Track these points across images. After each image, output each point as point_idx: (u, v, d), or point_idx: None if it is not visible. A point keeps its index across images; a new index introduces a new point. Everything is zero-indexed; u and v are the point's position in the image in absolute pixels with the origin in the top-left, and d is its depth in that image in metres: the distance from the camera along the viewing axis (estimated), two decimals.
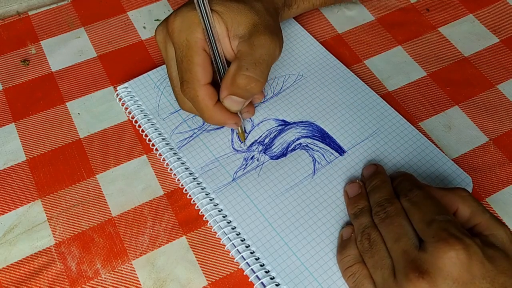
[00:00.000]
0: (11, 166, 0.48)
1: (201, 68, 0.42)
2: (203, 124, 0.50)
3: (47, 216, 0.45)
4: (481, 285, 0.34)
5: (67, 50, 0.56)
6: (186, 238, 0.44)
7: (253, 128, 0.50)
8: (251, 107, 0.49)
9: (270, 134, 0.49)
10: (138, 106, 0.51)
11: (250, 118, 0.50)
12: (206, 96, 0.43)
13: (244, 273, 0.42)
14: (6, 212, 0.46)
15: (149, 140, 0.49)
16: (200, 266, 0.43)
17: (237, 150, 0.48)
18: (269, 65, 0.43)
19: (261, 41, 0.42)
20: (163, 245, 0.44)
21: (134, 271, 0.43)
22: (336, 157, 0.48)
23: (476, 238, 0.35)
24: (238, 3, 0.43)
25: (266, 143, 0.49)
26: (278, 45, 0.43)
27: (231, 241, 0.43)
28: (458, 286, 0.34)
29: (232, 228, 0.44)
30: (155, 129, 0.50)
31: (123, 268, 0.43)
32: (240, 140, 0.48)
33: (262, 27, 0.43)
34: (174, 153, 0.48)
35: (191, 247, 0.44)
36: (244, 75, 0.41)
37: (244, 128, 0.49)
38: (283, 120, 0.50)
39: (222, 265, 0.43)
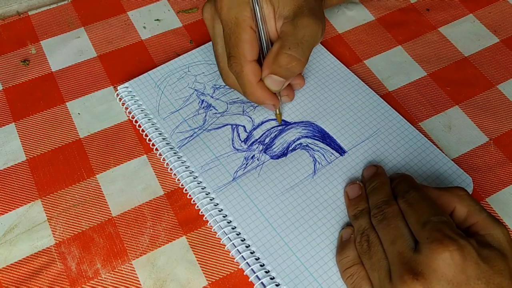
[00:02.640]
0: (11, 166, 0.48)
1: (248, 45, 0.44)
2: (203, 124, 0.50)
3: (47, 216, 0.45)
4: (476, 286, 0.34)
5: (67, 50, 0.56)
6: (186, 238, 0.44)
7: (254, 128, 0.50)
8: (291, 92, 0.51)
9: (271, 133, 0.49)
10: (138, 106, 0.51)
11: (251, 118, 0.50)
12: (251, 72, 0.44)
13: (244, 273, 0.42)
14: (6, 212, 0.45)
15: (149, 140, 0.49)
16: (200, 266, 0.43)
17: (237, 149, 0.48)
18: (310, 47, 0.44)
19: (304, 23, 0.43)
20: (163, 245, 0.44)
21: (134, 271, 0.43)
22: (337, 157, 0.48)
23: (471, 239, 0.35)
24: None
25: (267, 143, 0.49)
26: (320, 28, 0.44)
27: (231, 241, 0.43)
28: (453, 287, 0.34)
29: (232, 228, 0.44)
30: (156, 129, 0.50)
31: (123, 268, 0.43)
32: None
33: (307, 9, 0.44)
34: (174, 153, 0.48)
35: (191, 247, 0.44)
36: (286, 54, 0.42)
37: (281, 111, 0.50)
38: (284, 120, 0.50)
39: (222, 265, 0.43)
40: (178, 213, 0.46)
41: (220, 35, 0.46)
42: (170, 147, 0.49)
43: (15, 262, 0.43)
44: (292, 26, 0.43)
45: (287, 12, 0.44)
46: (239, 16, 0.43)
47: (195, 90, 0.52)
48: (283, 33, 0.43)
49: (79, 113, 0.52)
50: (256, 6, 0.42)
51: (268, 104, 0.47)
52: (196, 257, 0.44)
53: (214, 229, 0.44)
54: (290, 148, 0.48)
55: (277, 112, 0.49)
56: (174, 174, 0.47)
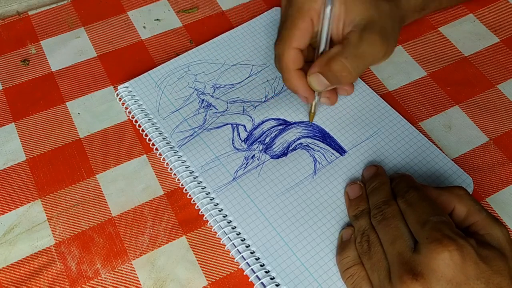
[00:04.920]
0: (11, 166, 0.48)
1: (299, 32, 0.44)
2: (203, 123, 0.50)
3: (47, 216, 0.45)
4: (476, 286, 0.34)
5: (67, 50, 0.56)
6: (186, 238, 0.44)
7: (254, 127, 0.50)
8: (334, 96, 0.50)
9: (271, 133, 0.49)
10: (138, 106, 0.51)
11: (251, 117, 0.50)
12: (290, 59, 0.44)
13: (244, 273, 0.42)
14: (6, 212, 0.45)
15: (149, 140, 0.49)
16: (200, 266, 0.43)
17: (237, 149, 0.48)
18: (367, 64, 0.44)
19: (371, 39, 0.43)
20: (163, 245, 0.44)
21: (134, 271, 0.43)
22: (337, 157, 0.48)
23: (470, 239, 0.35)
24: None
25: (267, 143, 0.49)
26: (384, 50, 0.44)
27: (231, 241, 0.43)
28: (452, 287, 0.34)
29: (232, 228, 0.44)
30: (156, 129, 0.50)
31: (123, 268, 0.43)
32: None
33: (378, 27, 0.43)
34: (175, 153, 0.48)
35: (191, 247, 0.44)
36: (341, 62, 0.42)
37: (316, 109, 0.49)
38: (284, 120, 0.50)
39: (222, 265, 0.43)
40: (178, 213, 0.46)
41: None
42: (170, 146, 0.49)
43: (15, 262, 0.43)
44: (358, 38, 0.42)
45: (359, 20, 0.43)
46: (305, 3, 0.43)
47: (195, 89, 0.52)
48: (347, 41, 0.43)
49: (79, 113, 0.52)
50: (329, 1, 0.42)
51: (301, 94, 0.46)
52: (196, 257, 0.44)
53: (214, 229, 0.44)
54: (291, 148, 0.48)
55: (311, 110, 0.49)
56: (174, 174, 0.47)
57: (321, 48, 0.45)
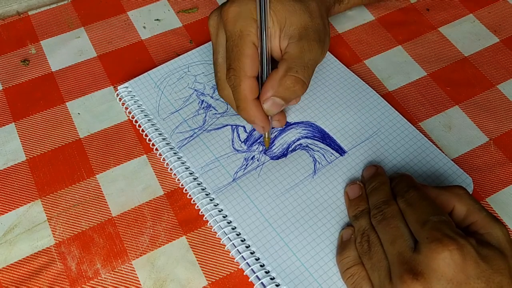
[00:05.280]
0: (11, 166, 0.48)
1: (250, 60, 0.43)
2: (203, 124, 0.50)
3: (47, 216, 0.45)
4: (476, 285, 0.34)
5: (67, 50, 0.56)
6: (186, 238, 0.44)
7: (253, 128, 0.50)
8: (283, 117, 0.49)
9: (271, 134, 0.49)
10: (138, 106, 0.51)
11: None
12: (248, 88, 0.43)
13: (244, 273, 0.42)
14: (6, 212, 0.45)
15: (149, 140, 0.49)
16: (200, 266, 0.43)
17: (237, 150, 0.48)
18: (314, 69, 0.44)
19: (311, 46, 0.43)
20: (163, 245, 0.44)
21: (134, 271, 0.43)
22: (337, 158, 0.48)
23: (470, 238, 0.35)
24: (294, 2, 0.44)
25: None
26: (323, 51, 0.44)
27: (231, 241, 0.43)
28: (453, 286, 0.34)
29: (232, 228, 0.44)
30: (156, 129, 0.50)
31: (123, 268, 0.43)
32: (264, 147, 0.49)
33: (312, 32, 0.43)
34: (174, 153, 0.48)
35: (191, 247, 0.44)
36: (294, 77, 0.42)
37: (270, 135, 0.48)
38: None
39: (222, 265, 0.43)
40: (178, 213, 0.46)
41: (222, 45, 0.45)
42: (170, 147, 0.49)
43: (15, 262, 0.43)
44: (298, 49, 0.42)
45: (292, 31, 0.43)
46: (244, 30, 0.42)
47: (195, 90, 0.52)
48: (289, 55, 0.43)
49: (79, 113, 0.52)
50: (264, 23, 0.41)
51: (258, 125, 0.45)
52: (196, 257, 0.44)
53: (214, 229, 0.44)
54: (290, 149, 0.48)
55: (266, 136, 0.48)
56: (174, 174, 0.47)
57: (265, 68, 0.44)
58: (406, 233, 0.37)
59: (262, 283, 0.41)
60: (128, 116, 0.52)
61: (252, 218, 0.44)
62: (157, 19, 0.60)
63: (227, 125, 0.50)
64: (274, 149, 0.48)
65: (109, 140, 0.50)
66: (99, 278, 0.42)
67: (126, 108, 0.52)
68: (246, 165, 0.47)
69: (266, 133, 0.47)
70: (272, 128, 0.49)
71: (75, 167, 0.48)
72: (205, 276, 0.43)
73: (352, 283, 0.40)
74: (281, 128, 0.50)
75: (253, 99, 0.44)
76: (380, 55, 0.57)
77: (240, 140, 0.49)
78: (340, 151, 0.48)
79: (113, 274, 0.43)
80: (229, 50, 0.44)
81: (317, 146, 0.49)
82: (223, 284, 0.42)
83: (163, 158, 0.48)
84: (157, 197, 0.47)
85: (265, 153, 0.48)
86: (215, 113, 0.51)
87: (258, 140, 0.49)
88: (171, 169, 0.48)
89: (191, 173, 0.47)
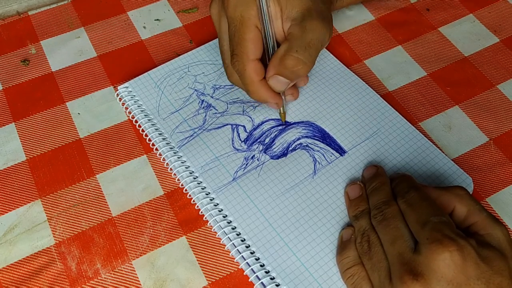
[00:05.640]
0: (11, 166, 0.48)
1: (252, 44, 0.44)
2: (203, 123, 0.50)
3: (47, 216, 0.45)
4: (476, 286, 0.34)
5: (67, 50, 0.56)
6: (186, 238, 0.44)
7: (254, 128, 0.50)
8: (295, 91, 0.50)
9: (271, 133, 0.49)
10: (138, 106, 0.51)
11: (251, 118, 0.50)
12: (253, 71, 0.44)
13: (244, 273, 0.42)
14: (6, 212, 0.45)
15: (149, 140, 0.49)
16: (200, 266, 0.43)
17: (237, 149, 0.48)
18: (317, 50, 0.44)
19: (313, 26, 0.43)
20: (163, 245, 0.44)
21: (134, 271, 0.43)
22: (337, 158, 0.48)
23: (471, 239, 0.35)
24: None
25: (267, 143, 0.49)
26: (328, 31, 0.44)
27: (231, 241, 0.43)
28: (453, 287, 0.34)
29: (232, 228, 0.44)
30: (156, 129, 0.50)
31: (123, 268, 0.43)
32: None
33: (315, 12, 0.44)
34: (174, 153, 0.48)
35: (191, 247, 0.44)
36: (292, 56, 0.43)
37: (285, 110, 0.50)
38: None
39: (222, 265, 0.43)
40: (178, 213, 0.46)
41: (226, 32, 0.46)
42: (170, 147, 0.49)
43: (15, 262, 0.43)
44: (300, 29, 0.43)
45: (295, 14, 0.44)
46: (244, 14, 0.43)
47: (195, 90, 0.52)
48: (291, 35, 0.43)
49: (79, 113, 0.52)
50: (264, 5, 0.42)
51: (271, 102, 0.47)
52: (196, 257, 0.44)
53: (214, 229, 0.44)
54: (290, 148, 0.48)
55: (281, 111, 0.49)
56: (174, 174, 0.47)
57: (270, 51, 0.45)
58: (406, 234, 0.37)
59: (262, 283, 0.41)
60: (128, 116, 0.52)
61: (252, 218, 0.44)
62: (157, 19, 0.60)
63: (227, 124, 0.50)
64: (274, 148, 0.49)
65: (109, 140, 0.50)
66: (99, 278, 0.42)
67: (126, 108, 0.52)
68: (246, 165, 0.47)
69: (281, 108, 0.48)
70: (287, 102, 0.51)
71: (75, 167, 0.48)
72: (205, 276, 0.43)
73: (352, 283, 0.40)
74: (282, 128, 0.50)
75: (260, 80, 0.45)
76: (380, 55, 0.57)
77: (240, 139, 0.49)
78: (340, 151, 0.48)
79: (113, 274, 0.43)
80: (231, 36, 0.44)
81: (317, 146, 0.49)
82: (223, 284, 0.42)
83: (163, 158, 0.48)
84: (157, 197, 0.47)
85: (265, 152, 0.48)
86: (215, 113, 0.51)
87: (258, 140, 0.49)
88: (171, 169, 0.48)
89: (191, 173, 0.47)
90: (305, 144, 0.49)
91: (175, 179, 0.47)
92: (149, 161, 0.49)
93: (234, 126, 0.50)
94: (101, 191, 0.47)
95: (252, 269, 0.42)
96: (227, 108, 0.51)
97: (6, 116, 0.51)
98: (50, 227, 0.45)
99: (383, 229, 0.39)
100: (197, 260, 0.43)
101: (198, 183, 0.46)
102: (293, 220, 0.44)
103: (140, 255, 0.43)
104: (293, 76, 0.44)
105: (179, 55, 0.56)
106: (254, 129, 0.50)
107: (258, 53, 0.44)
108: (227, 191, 0.46)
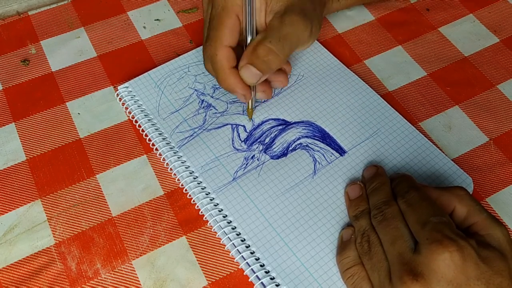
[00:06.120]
0: (11, 166, 0.48)
1: (228, 31, 0.43)
2: (203, 123, 0.50)
3: (47, 216, 0.45)
4: (476, 287, 0.34)
5: (67, 50, 0.56)
6: (186, 238, 0.44)
7: (254, 128, 0.50)
8: (269, 88, 0.49)
9: (271, 133, 0.49)
10: (138, 106, 0.51)
11: (251, 118, 0.50)
12: (224, 57, 0.44)
13: (244, 273, 0.42)
14: (6, 212, 0.45)
15: (149, 140, 0.49)
16: (200, 266, 0.43)
17: (237, 149, 0.48)
18: (292, 45, 0.44)
19: (292, 20, 0.43)
20: (163, 245, 0.44)
21: (134, 271, 0.43)
22: (337, 158, 0.48)
23: (471, 239, 0.35)
24: None
25: (267, 143, 0.49)
26: (307, 29, 0.44)
27: (231, 241, 0.43)
28: None
29: (232, 228, 0.44)
30: (156, 129, 0.50)
31: (123, 268, 0.43)
32: (247, 119, 0.49)
33: (298, 8, 0.44)
34: (174, 153, 0.48)
35: (191, 247, 0.44)
36: (265, 46, 0.42)
37: (253, 106, 0.49)
38: (284, 120, 0.50)
39: (222, 265, 0.43)
40: (178, 213, 0.46)
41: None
42: (170, 147, 0.49)
43: (15, 262, 0.43)
44: (279, 21, 0.43)
45: (279, 7, 0.44)
46: (228, 1, 0.43)
47: (195, 90, 0.52)
48: (269, 26, 0.44)
49: (79, 113, 0.52)
50: None
51: (239, 93, 0.45)
52: (196, 257, 0.44)
53: (214, 229, 0.44)
54: (290, 148, 0.48)
55: (249, 107, 0.48)
56: (174, 174, 0.47)
57: (248, 41, 0.44)
58: (406, 234, 0.37)
59: (262, 283, 0.41)
60: (128, 116, 0.52)
61: (252, 218, 0.44)
62: (157, 19, 0.60)
63: (227, 124, 0.50)
64: (274, 148, 0.48)
65: (109, 140, 0.50)
66: (99, 278, 0.42)
67: (126, 108, 0.52)
68: (246, 164, 0.47)
69: (249, 103, 0.47)
70: (258, 100, 0.50)
71: (75, 167, 0.48)
72: (205, 276, 0.43)
73: (352, 283, 0.40)
74: (282, 128, 0.50)
75: (231, 68, 0.44)
76: (380, 55, 0.57)
77: (240, 139, 0.49)
78: (340, 151, 0.48)
79: (113, 274, 0.43)
80: (211, 20, 0.44)
81: (317, 145, 0.49)
82: (223, 284, 0.42)
83: (163, 158, 0.48)
84: (157, 197, 0.47)
85: (265, 152, 0.48)
86: (215, 112, 0.51)
87: (258, 140, 0.49)
88: (171, 169, 0.48)
89: (191, 173, 0.47)
90: (305, 144, 0.49)
91: (175, 179, 0.47)
92: (149, 161, 0.49)
93: (234, 126, 0.50)
94: (101, 191, 0.47)
95: (252, 269, 0.42)
96: (227, 108, 0.51)
97: (6, 116, 0.51)
98: (50, 227, 0.45)
99: (383, 229, 0.39)
100: (197, 260, 0.43)
101: (198, 183, 0.46)
102: (293, 220, 0.44)
103: (140, 255, 0.43)
104: (264, 67, 0.43)
105: (179, 55, 0.56)
106: (254, 129, 0.50)
107: (232, 41, 0.44)
108: (227, 191, 0.46)
